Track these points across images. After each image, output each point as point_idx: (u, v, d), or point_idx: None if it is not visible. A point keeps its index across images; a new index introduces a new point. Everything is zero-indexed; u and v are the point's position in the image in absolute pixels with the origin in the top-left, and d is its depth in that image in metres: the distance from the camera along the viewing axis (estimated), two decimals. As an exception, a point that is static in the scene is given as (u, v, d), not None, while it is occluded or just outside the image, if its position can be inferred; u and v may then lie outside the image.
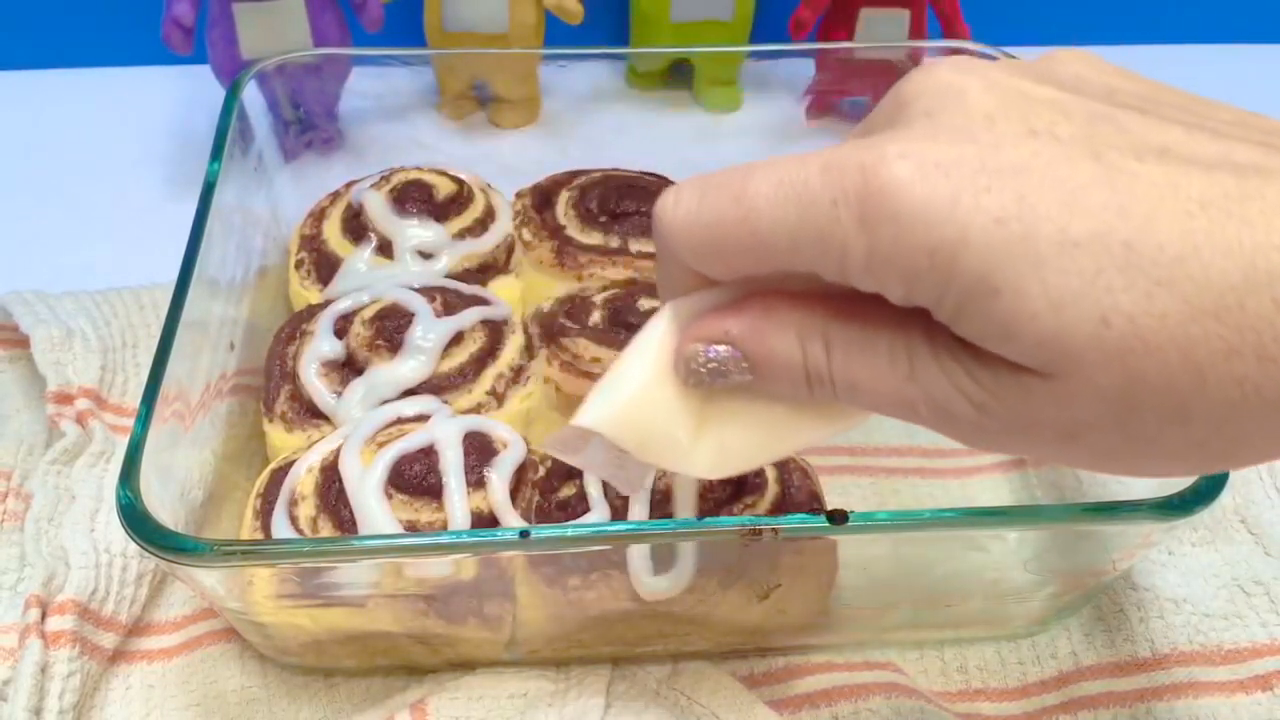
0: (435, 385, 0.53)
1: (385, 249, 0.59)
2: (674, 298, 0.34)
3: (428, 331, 0.53)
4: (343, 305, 0.56)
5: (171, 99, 0.80)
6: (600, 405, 0.33)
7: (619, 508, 0.47)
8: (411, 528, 0.46)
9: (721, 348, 0.32)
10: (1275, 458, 0.29)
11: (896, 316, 0.30)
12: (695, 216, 0.31)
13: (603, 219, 0.61)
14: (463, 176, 0.63)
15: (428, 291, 0.56)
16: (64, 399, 0.55)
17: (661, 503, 0.47)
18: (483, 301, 0.57)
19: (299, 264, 0.60)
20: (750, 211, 0.30)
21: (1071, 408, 0.28)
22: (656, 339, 0.33)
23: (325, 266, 0.60)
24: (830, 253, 0.29)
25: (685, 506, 0.44)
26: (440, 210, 0.60)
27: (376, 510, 0.46)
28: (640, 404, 0.33)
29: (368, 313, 0.55)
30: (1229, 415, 0.27)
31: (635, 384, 0.33)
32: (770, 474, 0.49)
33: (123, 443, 0.53)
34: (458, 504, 0.47)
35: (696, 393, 0.33)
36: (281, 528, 0.47)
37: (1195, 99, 0.30)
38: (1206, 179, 0.27)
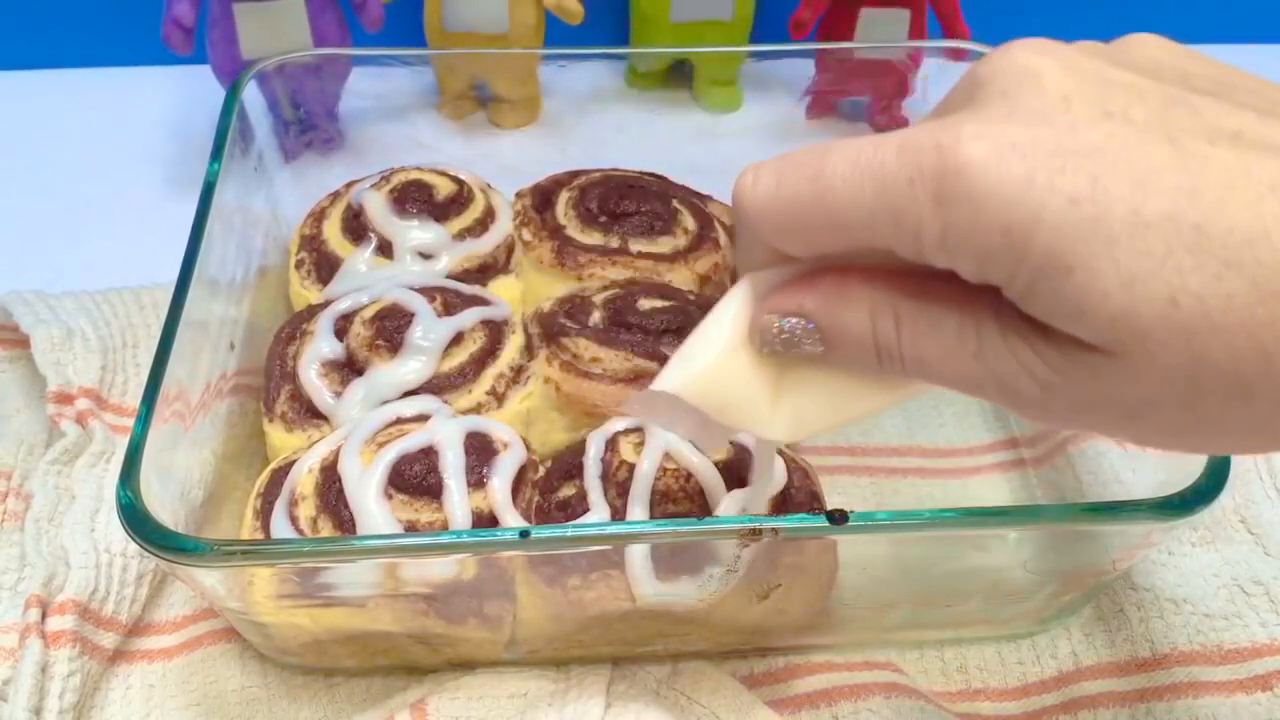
0: (435, 385, 0.53)
1: (385, 249, 0.59)
2: (752, 271, 0.35)
3: (428, 332, 0.53)
4: (343, 305, 0.56)
5: (171, 99, 0.80)
6: (681, 370, 0.35)
7: (619, 508, 0.47)
8: (411, 528, 0.46)
9: (795, 320, 0.33)
10: None
11: (967, 295, 0.31)
12: (774, 194, 0.32)
13: (603, 219, 0.61)
14: (463, 176, 0.63)
15: (428, 291, 0.56)
16: (64, 399, 0.55)
17: (661, 502, 0.47)
18: (483, 301, 0.57)
19: (299, 264, 0.60)
20: (827, 190, 0.30)
21: (1138, 386, 0.29)
22: (734, 308, 0.35)
23: (325, 267, 0.60)
24: (906, 230, 0.29)
25: (764, 470, 0.45)
26: (440, 210, 0.60)
27: (375, 511, 0.46)
28: (719, 370, 0.35)
29: (368, 313, 0.55)
30: None
31: (714, 351, 0.35)
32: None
33: (123, 443, 0.53)
34: (458, 505, 0.47)
35: (772, 361, 0.35)
36: (281, 528, 0.47)
37: (1268, 84, 0.30)
38: (1278, 163, 0.27)
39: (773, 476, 0.46)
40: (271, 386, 0.54)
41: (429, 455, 0.48)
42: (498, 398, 0.54)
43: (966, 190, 0.28)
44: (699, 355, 0.35)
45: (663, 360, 0.53)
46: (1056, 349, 0.29)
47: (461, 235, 0.60)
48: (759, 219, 0.32)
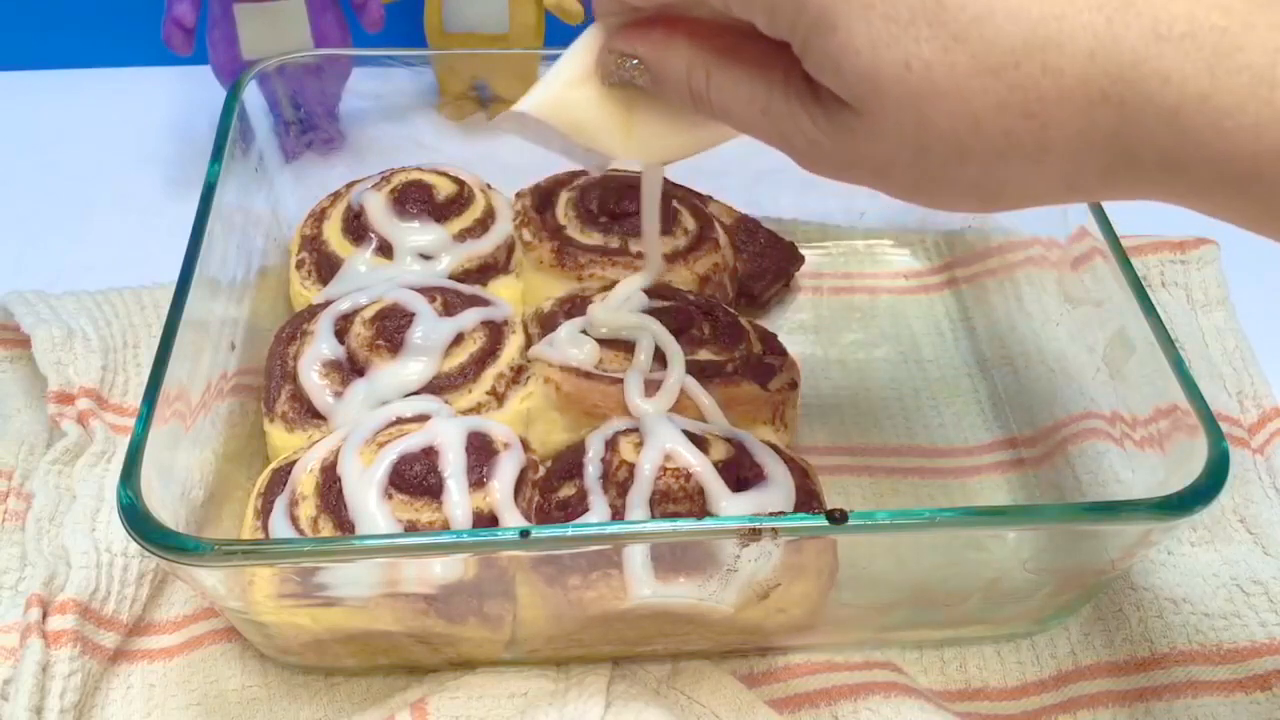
0: (436, 385, 0.53)
1: (386, 250, 0.59)
2: (605, 17, 0.41)
3: (429, 333, 0.53)
4: (343, 305, 0.56)
5: (172, 99, 0.80)
6: (537, 94, 0.41)
7: (619, 508, 0.48)
8: (412, 528, 0.46)
9: (630, 60, 0.39)
10: (1033, 203, 0.34)
11: (767, 55, 0.35)
12: None
13: (603, 219, 0.61)
14: (463, 177, 0.63)
15: (428, 292, 0.56)
16: (65, 399, 0.56)
17: (660, 502, 0.47)
18: (483, 302, 0.57)
19: (299, 264, 0.61)
20: None
21: (880, 144, 0.33)
22: (585, 46, 0.41)
23: (326, 267, 0.60)
24: None
25: (651, 198, 0.50)
26: (440, 211, 0.60)
27: (375, 511, 0.46)
28: (570, 96, 0.41)
29: (368, 313, 0.55)
30: (997, 161, 0.32)
31: (565, 78, 0.41)
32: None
33: (124, 442, 0.53)
34: (458, 505, 0.47)
35: (620, 95, 0.41)
36: (282, 528, 0.47)
37: None
38: None
39: (658, 209, 0.50)
40: (272, 386, 0.54)
41: (429, 455, 0.48)
42: (498, 398, 0.54)
43: None
44: (551, 82, 0.41)
45: (664, 361, 0.54)
46: (823, 110, 0.34)
47: (462, 236, 0.60)
48: None
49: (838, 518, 0.41)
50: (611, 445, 0.50)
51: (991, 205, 0.34)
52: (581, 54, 0.41)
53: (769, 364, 0.56)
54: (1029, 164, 0.32)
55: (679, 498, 0.47)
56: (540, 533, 0.41)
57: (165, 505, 0.42)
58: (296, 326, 0.56)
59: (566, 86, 0.41)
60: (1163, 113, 0.30)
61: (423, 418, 0.51)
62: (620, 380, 0.53)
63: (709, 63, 0.37)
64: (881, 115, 0.32)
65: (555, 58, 0.69)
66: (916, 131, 0.32)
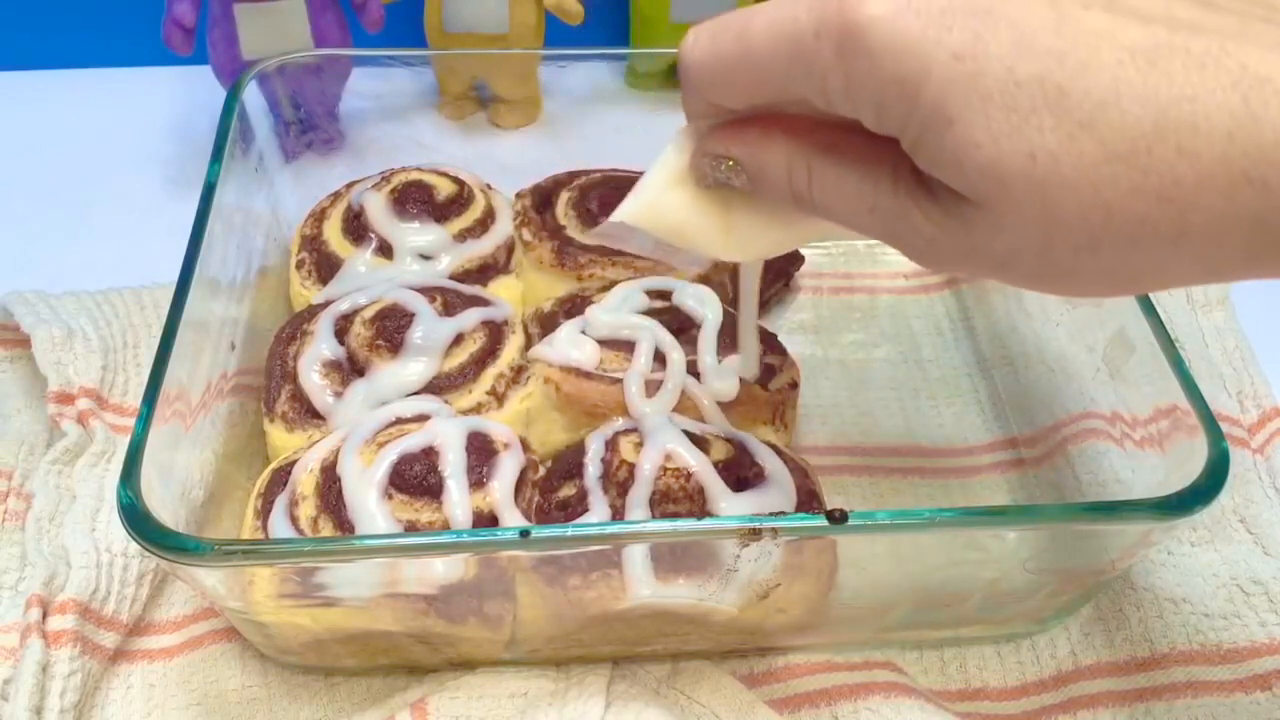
0: (436, 385, 0.53)
1: (386, 250, 0.59)
2: (695, 119, 0.39)
3: (429, 333, 0.53)
4: (343, 305, 0.56)
5: (172, 99, 0.80)
6: (632, 203, 0.40)
7: (619, 508, 0.48)
8: (412, 528, 0.46)
9: (725, 162, 0.37)
10: (1167, 286, 0.33)
11: (872, 151, 0.34)
12: (709, 52, 0.35)
13: (603, 219, 0.61)
14: (463, 177, 0.63)
15: (428, 292, 0.56)
16: (65, 399, 0.56)
17: (661, 502, 0.47)
18: (483, 302, 0.57)
19: (299, 264, 0.61)
20: (749, 46, 0.33)
21: (1003, 238, 0.32)
22: (678, 150, 0.39)
23: (326, 267, 0.60)
24: (814, 81, 0.32)
25: (749, 291, 0.49)
26: (440, 211, 0.60)
27: (375, 511, 0.46)
28: (665, 201, 0.39)
29: (368, 313, 0.55)
30: (1131, 248, 0.30)
31: (658, 185, 0.39)
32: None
33: (124, 442, 0.53)
34: (458, 505, 0.47)
35: (717, 195, 0.39)
36: (282, 528, 0.47)
37: None
38: (1142, 30, 0.29)
39: (756, 303, 0.49)
40: (272, 386, 0.54)
41: (429, 455, 0.48)
42: (498, 398, 0.54)
43: (865, 45, 0.30)
44: (646, 189, 0.40)
45: (664, 361, 0.54)
46: (938, 205, 0.32)
47: (462, 236, 0.60)
48: (696, 75, 0.36)
49: (838, 518, 0.41)
50: (611, 445, 0.50)
51: (1125, 291, 0.33)
52: (674, 157, 0.39)
53: (769, 364, 0.56)
54: (1166, 249, 0.30)
55: (679, 498, 0.47)
56: (540, 533, 0.41)
57: (165, 505, 0.42)
58: (296, 326, 0.56)
59: (661, 192, 0.39)
60: None
61: (423, 418, 0.51)
62: (620, 380, 0.53)
63: (810, 161, 0.35)
64: (1005, 209, 0.31)
65: (555, 58, 0.71)
66: (1043, 223, 0.30)
